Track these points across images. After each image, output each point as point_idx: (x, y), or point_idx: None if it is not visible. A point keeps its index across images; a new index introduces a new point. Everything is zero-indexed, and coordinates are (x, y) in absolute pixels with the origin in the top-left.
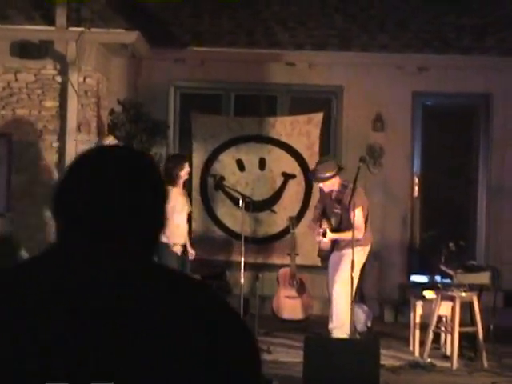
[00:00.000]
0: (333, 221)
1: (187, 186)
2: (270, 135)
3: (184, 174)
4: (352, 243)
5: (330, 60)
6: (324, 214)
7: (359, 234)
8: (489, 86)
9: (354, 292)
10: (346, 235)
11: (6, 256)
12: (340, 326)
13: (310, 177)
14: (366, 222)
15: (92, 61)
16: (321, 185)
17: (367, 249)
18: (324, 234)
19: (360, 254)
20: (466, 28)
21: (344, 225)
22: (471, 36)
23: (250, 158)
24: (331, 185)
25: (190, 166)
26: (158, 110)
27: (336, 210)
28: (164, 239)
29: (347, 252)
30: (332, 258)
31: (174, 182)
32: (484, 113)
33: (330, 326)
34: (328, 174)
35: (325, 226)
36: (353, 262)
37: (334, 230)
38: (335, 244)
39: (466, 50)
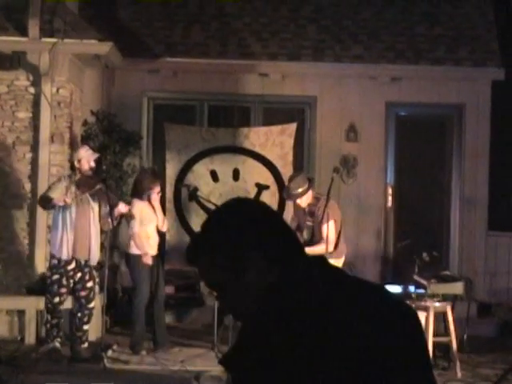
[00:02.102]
0: (305, 233)
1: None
2: (243, 146)
3: (153, 191)
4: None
5: (304, 71)
6: (298, 228)
7: (330, 247)
8: (462, 96)
9: None
10: (315, 249)
11: None
12: None
13: (284, 196)
14: (339, 235)
15: (65, 72)
16: (298, 201)
17: (341, 261)
18: None
19: None
20: (439, 39)
21: (316, 238)
22: (444, 47)
23: (224, 168)
24: (307, 199)
25: (163, 184)
26: (131, 120)
27: (308, 223)
28: (135, 250)
29: None
30: None
31: (139, 195)
32: (457, 123)
33: None
34: (300, 190)
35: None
36: None
37: (306, 243)
38: None
39: (438, 61)
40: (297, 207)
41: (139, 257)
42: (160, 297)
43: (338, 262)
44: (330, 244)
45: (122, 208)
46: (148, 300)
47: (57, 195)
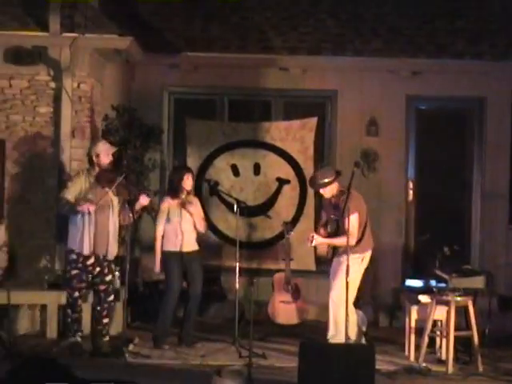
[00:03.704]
0: (329, 227)
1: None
2: (264, 140)
3: (185, 185)
4: (347, 250)
5: (324, 65)
6: (327, 222)
7: (351, 240)
8: (482, 89)
9: (353, 298)
10: (336, 241)
11: None
12: (338, 333)
13: (308, 184)
14: (364, 228)
15: (86, 66)
16: (321, 191)
17: (365, 255)
18: (312, 240)
19: (357, 262)
20: (460, 33)
21: (341, 231)
22: (464, 40)
23: (245, 163)
24: (331, 191)
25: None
26: (151, 115)
27: (332, 216)
28: (165, 247)
29: (344, 259)
30: (332, 265)
31: (174, 194)
32: (478, 117)
33: (329, 334)
34: (326, 180)
35: (321, 232)
36: (347, 267)
37: (330, 236)
38: (334, 250)
39: (459, 55)
40: (325, 202)
41: (168, 253)
42: (196, 294)
43: (361, 256)
44: (353, 237)
45: (143, 200)
46: (179, 296)
47: (74, 194)
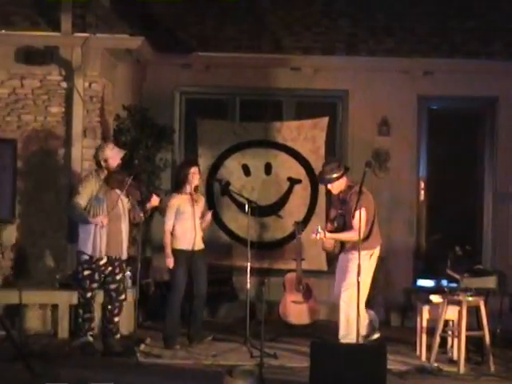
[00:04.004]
0: (335, 222)
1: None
2: (275, 140)
3: (191, 178)
4: (357, 245)
5: (336, 65)
6: (336, 217)
7: (355, 235)
8: (495, 89)
9: (365, 296)
10: (341, 236)
11: None
12: (350, 333)
13: (318, 180)
14: (372, 225)
15: (97, 66)
16: (329, 186)
17: (374, 252)
18: (316, 233)
19: (366, 258)
20: (473, 32)
21: (348, 226)
22: (477, 40)
23: (256, 163)
24: (339, 186)
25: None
26: (163, 115)
27: (340, 211)
28: (176, 246)
29: (353, 256)
30: (339, 261)
31: (179, 189)
32: (490, 116)
33: (340, 334)
34: (335, 175)
35: (328, 226)
36: (359, 266)
37: (337, 231)
38: (342, 245)
39: (472, 54)
40: (334, 197)
41: (179, 251)
42: (201, 293)
43: (370, 253)
44: (356, 232)
45: (154, 201)
46: (184, 295)
47: (86, 198)
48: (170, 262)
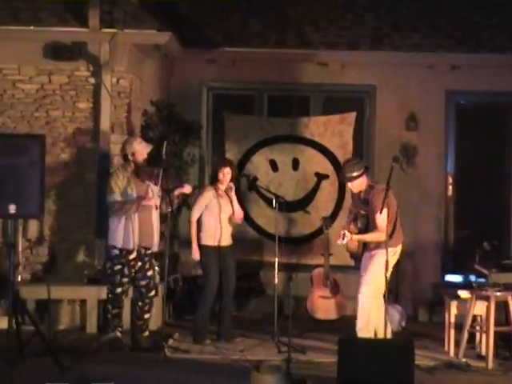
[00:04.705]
0: (359, 222)
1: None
2: (302, 135)
3: (222, 177)
4: (381, 244)
5: (363, 60)
6: (356, 218)
7: (382, 235)
8: None
9: (382, 292)
10: (366, 237)
11: None
12: (364, 327)
13: (339, 177)
14: (395, 223)
15: (125, 62)
16: (349, 185)
17: (397, 249)
18: (343, 237)
19: (388, 255)
20: (498, 27)
21: (371, 226)
22: (503, 35)
23: (283, 158)
24: (359, 185)
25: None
26: (190, 110)
27: (362, 212)
28: (202, 240)
29: (376, 253)
30: (363, 260)
31: (213, 184)
32: None
33: (356, 327)
34: (354, 174)
35: (351, 227)
36: (387, 262)
37: (361, 232)
38: (365, 245)
39: (498, 49)
40: (354, 197)
41: (207, 247)
42: (229, 290)
43: (393, 251)
44: (384, 233)
45: (186, 189)
46: (216, 291)
47: (120, 193)
48: (196, 253)
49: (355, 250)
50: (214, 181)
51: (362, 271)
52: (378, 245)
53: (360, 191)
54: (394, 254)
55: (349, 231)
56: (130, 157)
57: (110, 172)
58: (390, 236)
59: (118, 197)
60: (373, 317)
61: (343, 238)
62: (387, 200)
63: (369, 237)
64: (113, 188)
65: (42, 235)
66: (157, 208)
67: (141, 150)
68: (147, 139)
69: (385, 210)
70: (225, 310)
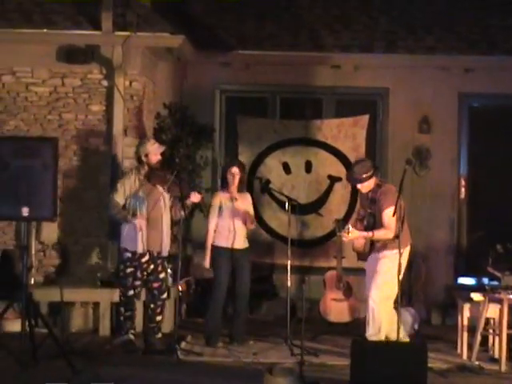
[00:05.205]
0: (365, 221)
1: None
2: (315, 138)
3: (231, 177)
4: (388, 245)
5: (376, 62)
6: (363, 218)
7: (389, 234)
8: None
9: (394, 295)
10: (371, 234)
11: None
12: (376, 333)
13: (347, 179)
14: (402, 224)
15: (138, 65)
16: (359, 186)
17: (404, 251)
18: (347, 232)
19: (395, 257)
20: None
21: (378, 225)
22: None
23: (296, 160)
24: (369, 185)
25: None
26: (203, 113)
27: (369, 211)
28: (216, 243)
29: (384, 255)
30: (368, 261)
31: (223, 186)
32: None
33: (367, 333)
34: (364, 176)
35: (358, 226)
36: (399, 265)
37: (366, 230)
38: (372, 246)
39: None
40: (362, 197)
41: (219, 249)
42: (243, 292)
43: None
44: (390, 230)
45: (194, 198)
46: (228, 294)
47: (123, 196)
48: (207, 262)
49: (361, 250)
50: (225, 183)
51: (368, 273)
52: (384, 246)
53: (369, 190)
54: (401, 255)
55: (347, 228)
56: (143, 158)
57: (123, 172)
58: (397, 237)
59: (118, 197)
60: (384, 323)
61: (348, 233)
62: (395, 201)
63: (375, 234)
64: (117, 187)
65: (55, 238)
66: (174, 215)
67: (154, 150)
68: (160, 141)
69: (392, 209)
70: (239, 313)
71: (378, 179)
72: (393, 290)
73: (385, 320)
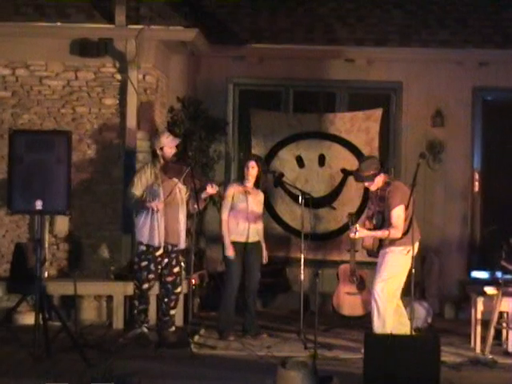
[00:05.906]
0: (374, 219)
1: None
2: (329, 131)
3: (246, 171)
4: (395, 241)
5: (390, 56)
6: (373, 215)
7: (397, 232)
8: None
9: (399, 291)
10: (378, 233)
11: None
12: (381, 326)
13: (354, 178)
14: (410, 221)
15: (151, 58)
16: (366, 184)
17: (410, 248)
18: (355, 231)
19: (402, 254)
20: None
21: (386, 223)
22: None
23: (310, 154)
24: (377, 183)
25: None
26: (216, 107)
27: (378, 209)
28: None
29: (391, 250)
30: (379, 257)
31: (241, 180)
32: None
33: (373, 327)
34: (372, 173)
35: (367, 224)
36: (412, 258)
37: (375, 229)
38: (381, 242)
39: None
40: (372, 195)
41: (232, 243)
42: (252, 286)
43: (407, 249)
44: (398, 230)
45: (210, 189)
46: (239, 287)
47: (141, 188)
48: (230, 251)
49: (370, 247)
50: (242, 177)
51: (377, 269)
52: (391, 242)
53: (378, 188)
54: (408, 252)
55: (364, 228)
56: (158, 151)
57: (139, 166)
58: (405, 234)
59: (136, 190)
60: (389, 318)
61: (355, 233)
62: (403, 198)
63: (381, 233)
64: (134, 180)
65: (68, 231)
66: (190, 206)
67: (169, 143)
68: (175, 134)
69: (401, 207)
70: (250, 306)
71: (386, 176)
72: (398, 284)
73: (390, 316)
